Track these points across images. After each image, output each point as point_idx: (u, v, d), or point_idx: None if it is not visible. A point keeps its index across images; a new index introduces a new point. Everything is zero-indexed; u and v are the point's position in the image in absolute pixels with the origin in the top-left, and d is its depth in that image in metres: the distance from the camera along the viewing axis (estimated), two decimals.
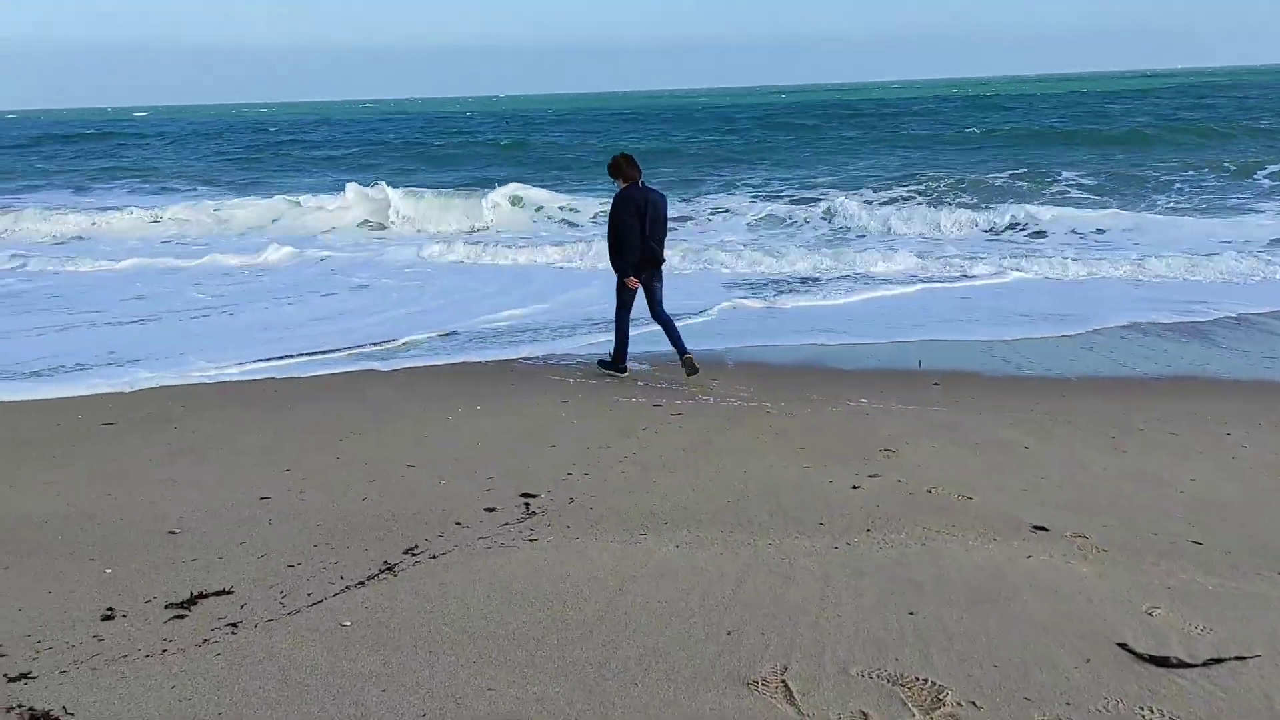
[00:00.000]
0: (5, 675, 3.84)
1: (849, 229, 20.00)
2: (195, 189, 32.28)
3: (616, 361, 9.41)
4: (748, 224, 21.25)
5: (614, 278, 9.48)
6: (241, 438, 7.49)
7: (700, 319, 11.95)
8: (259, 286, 15.52)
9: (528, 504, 5.82)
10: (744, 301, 13.12)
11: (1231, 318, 11.24)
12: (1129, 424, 7.22)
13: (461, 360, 10.22)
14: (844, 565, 4.67)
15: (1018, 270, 14.63)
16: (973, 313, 12.02)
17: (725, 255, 16.33)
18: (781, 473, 6.21)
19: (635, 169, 9.25)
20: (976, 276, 14.46)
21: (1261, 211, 19.87)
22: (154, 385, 9.31)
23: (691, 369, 9.02)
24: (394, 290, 14.86)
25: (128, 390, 9.16)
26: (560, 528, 5.40)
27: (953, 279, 14.39)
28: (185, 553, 5.21)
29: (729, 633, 4.08)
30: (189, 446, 7.29)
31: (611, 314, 9.61)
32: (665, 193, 9.88)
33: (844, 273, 15.12)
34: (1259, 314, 11.43)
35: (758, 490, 5.88)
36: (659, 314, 9.41)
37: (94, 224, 23.69)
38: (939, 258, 15.78)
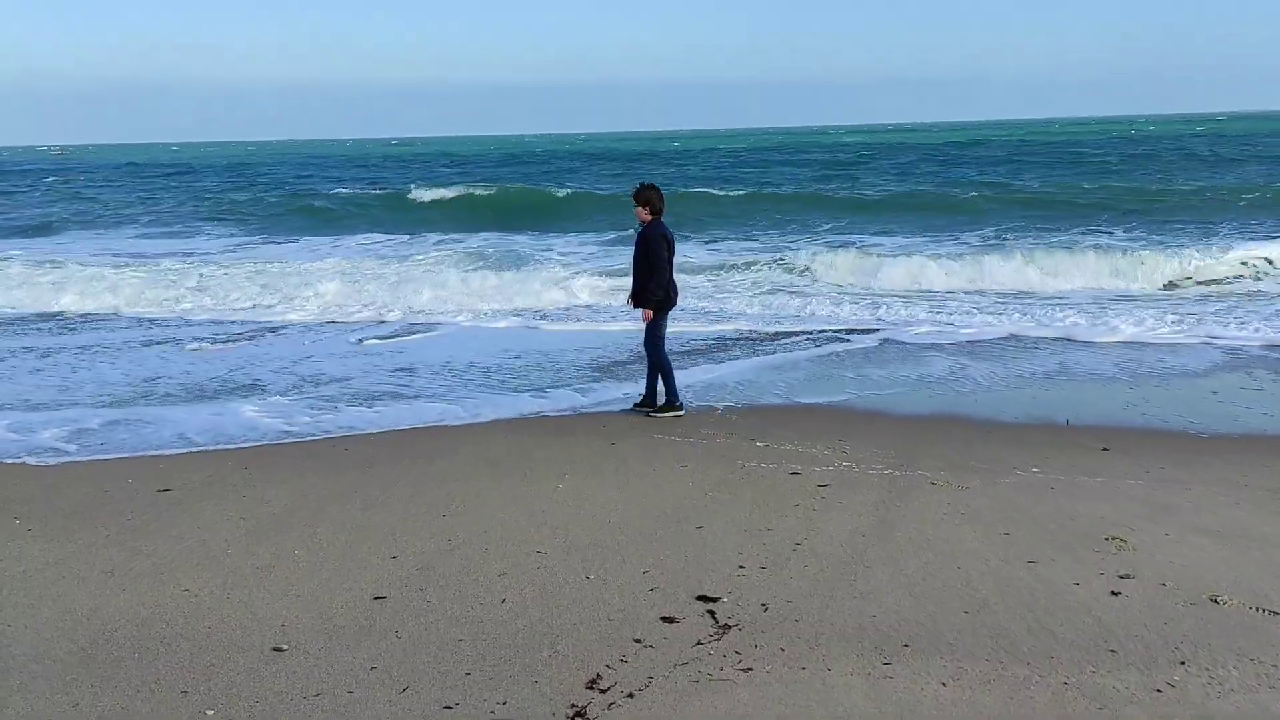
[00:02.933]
0: None
1: None
2: None
3: (671, 398, 8.99)
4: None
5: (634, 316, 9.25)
6: (327, 511, 6.38)
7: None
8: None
9: (713, 613, 4.70)
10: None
11: None
12: None
13: (534, 412, 9.14)
14: None
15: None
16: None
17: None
18: (1007, 572, 5.10)
19: (662, 202, 8.99)
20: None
21: None
22: (209, 446, 8.19)
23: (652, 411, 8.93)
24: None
25: (177, 451, 8.05)
26: (772, 650, 4.28)
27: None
28: (301, 681, 4.11)
29: None
30: (268, 523, 6.18)
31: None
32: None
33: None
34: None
35: (995, 597, 4.77)
36: (648, 348, 9.11)
37: None
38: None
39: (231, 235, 29.11)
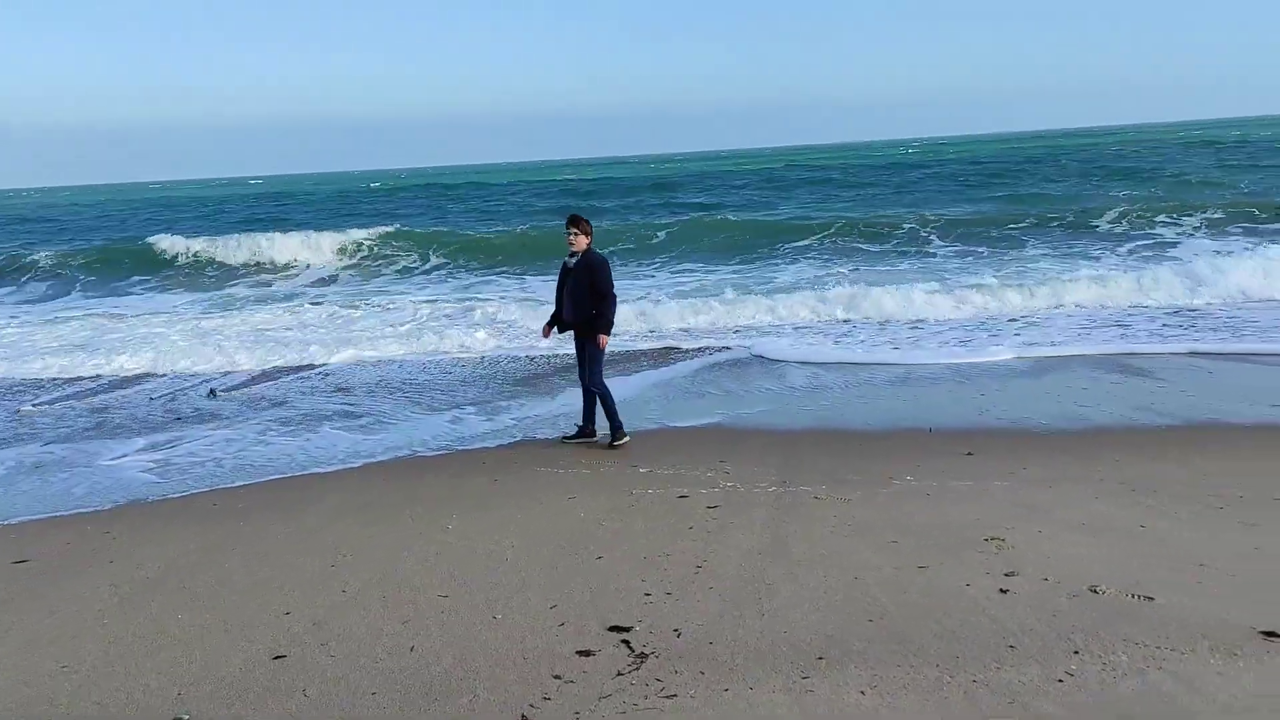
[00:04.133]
0: None
1: None
2: None
3: (616, 427, 8.92)
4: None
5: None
6: (205, 570, 6.10)
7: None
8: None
9: (627, 643, 4.72)
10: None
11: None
12: (1210, 486, 6.64)
13: (408, 454, 8.98)
14: (1100, 710, 3.78)
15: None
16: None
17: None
18: (901, 579, 5.30)
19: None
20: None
21: None
22: (62, 512, 7.70)
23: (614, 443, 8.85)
24: None
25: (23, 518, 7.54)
26: (692, 675, 4.33)
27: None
28: None
29: None
30: (143, 587, 5.86)
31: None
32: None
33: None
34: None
35: (894, 605, 4.95)
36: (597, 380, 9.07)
37: None
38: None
39: None
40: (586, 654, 4.62)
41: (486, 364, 13.25)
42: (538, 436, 9.37)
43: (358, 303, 19.83)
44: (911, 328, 14.33)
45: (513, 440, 9.26)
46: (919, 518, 6.34)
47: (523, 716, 4.05)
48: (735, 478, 7.58)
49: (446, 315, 17.32)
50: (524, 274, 23.78)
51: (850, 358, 12.43)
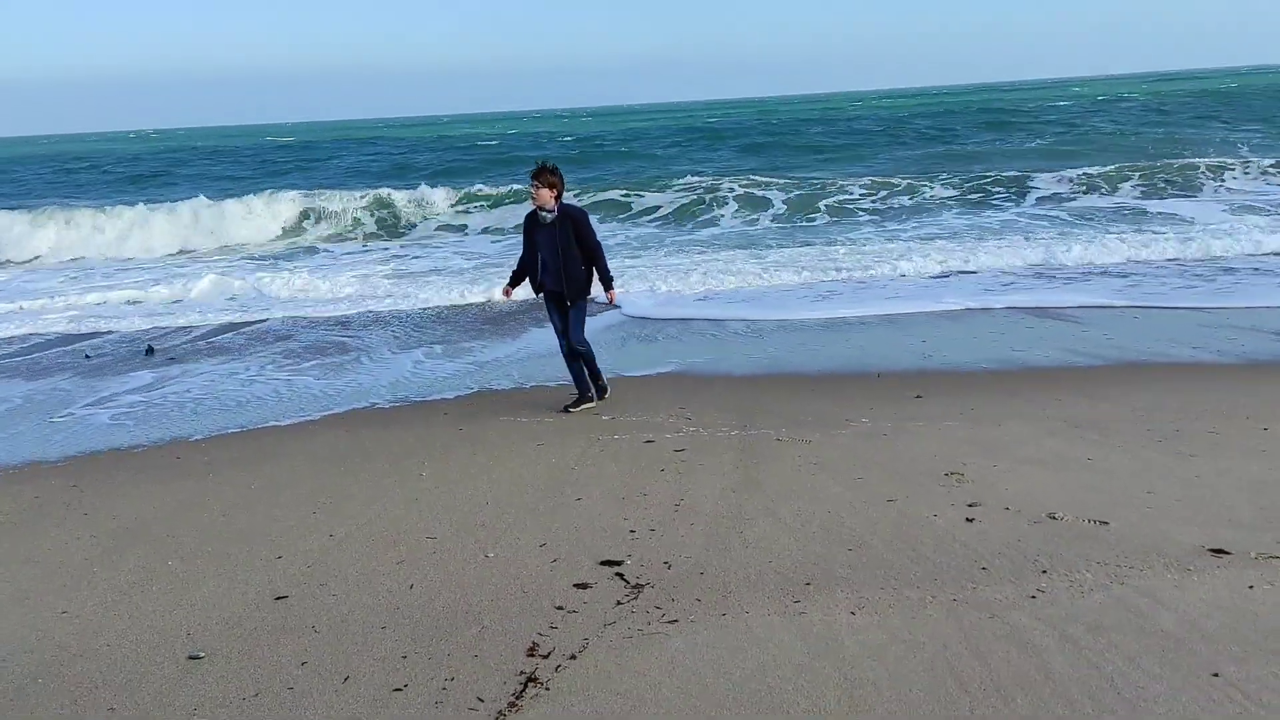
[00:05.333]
0: None
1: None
2: None
3: (603, 386, 8.70)
4: None
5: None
6: (185, 520, 6.14)
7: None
8: None
9: (621, 575, 4.94)
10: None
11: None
12: (1148, 421, 7.08)
13: (366, 405, 9.05)
14: (1071, 621, 4.11)
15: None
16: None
17: None
18: (872, 511, 5.59)
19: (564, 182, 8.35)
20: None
21: None
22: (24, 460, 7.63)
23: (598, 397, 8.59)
24: None
25: None
26: (688, 602, 4.56)
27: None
28: (234, 684, 4.06)
29: None
30: (125, 538, 5.90)
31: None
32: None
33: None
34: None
35: (869, 533, 5.24)
36: (580, 341, 8.45)
37: None
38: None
39: None
40: (584, 586, 4.82)
41: None
42: (494, 388, 9.49)
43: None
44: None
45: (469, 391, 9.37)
46: (879, 456, 6.65)
47: (533, 644, 4.24)
48: (697, 423, 7.82)
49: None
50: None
51: (717, 313, 12.66)
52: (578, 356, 8.50)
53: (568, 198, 8.51)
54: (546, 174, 8.09)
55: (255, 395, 9.65)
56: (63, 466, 7.62)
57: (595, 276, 8.40)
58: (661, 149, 42.69)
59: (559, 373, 9.17)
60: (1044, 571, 4.62)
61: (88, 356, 11.82)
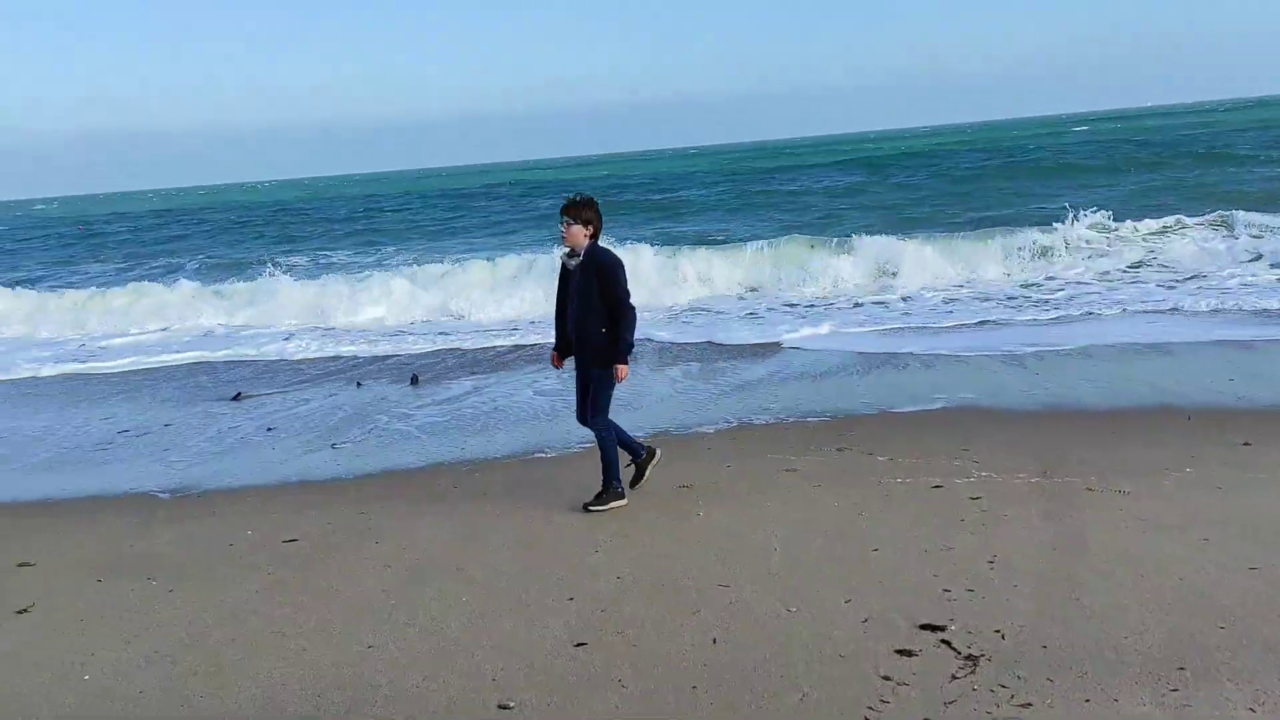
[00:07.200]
0: None
1: None
2: None
3: (612, 481, 6.79)
4: None
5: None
6: (469, 552, 6.08)
7: None
8: None
9: (948, 643, 4.44)
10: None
11: None
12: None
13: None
14: None
15: None
16: None
17: None
18: (1235, 580, 4.86)
19: (602, 221, 6.75)
20: None
21: None
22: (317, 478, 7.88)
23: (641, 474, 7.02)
24: None
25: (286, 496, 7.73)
26: (1039, 682, 4.02)
27: None
28: None
29: None
30: (420, 568, 5.87)
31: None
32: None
33: None
34: None
35: (1238, 607, 4.53)
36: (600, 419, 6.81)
37: None
38: None
39: None
40: (907, 654, 4.36)
41: None
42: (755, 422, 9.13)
43: None
44: None
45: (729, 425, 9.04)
46: (1218, 513, 5.83)
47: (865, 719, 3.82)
48: (986, 466, 7.18)
49: None
50: None
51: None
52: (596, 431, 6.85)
53: None
54: (578, 208, 6.58)
55: (523, 414, 9.68)
56: (351, 490, 7.80)
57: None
58: None
59: (821, 401, 8.71)
60: None
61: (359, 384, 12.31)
